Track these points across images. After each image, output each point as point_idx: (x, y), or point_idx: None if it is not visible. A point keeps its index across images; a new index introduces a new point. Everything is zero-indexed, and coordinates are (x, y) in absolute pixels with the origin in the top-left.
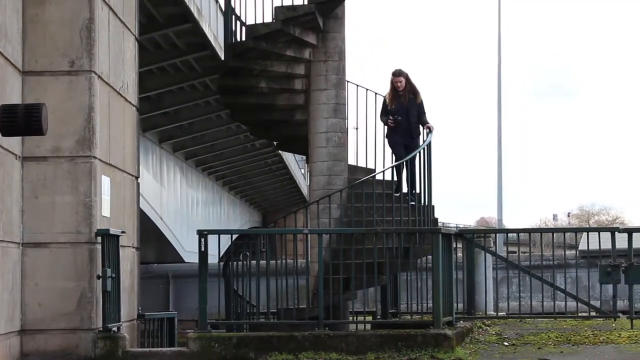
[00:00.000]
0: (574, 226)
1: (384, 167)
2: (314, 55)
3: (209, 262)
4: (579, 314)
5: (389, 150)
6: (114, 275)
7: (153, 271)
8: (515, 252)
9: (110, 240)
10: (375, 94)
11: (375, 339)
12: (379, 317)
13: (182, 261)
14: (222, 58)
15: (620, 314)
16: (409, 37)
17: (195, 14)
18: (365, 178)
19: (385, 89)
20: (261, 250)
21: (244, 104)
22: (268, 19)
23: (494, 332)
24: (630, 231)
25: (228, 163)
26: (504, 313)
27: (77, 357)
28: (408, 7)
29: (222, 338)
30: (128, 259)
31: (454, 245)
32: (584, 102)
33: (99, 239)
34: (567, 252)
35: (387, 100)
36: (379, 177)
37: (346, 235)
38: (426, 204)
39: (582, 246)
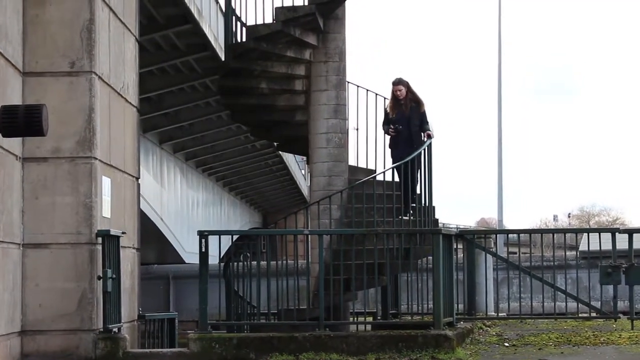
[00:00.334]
0: (575, 227)
1: (384, 168)
2: (314, 56)
3: (209, 262)
4: (580, 315)
5: (389, 151)
6: (114, 276)
7: (153, 272)
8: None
9: (110, 241)
10: (376, 94)
11: (376, 339)
12: (379, 317)
13: (183, 262)
14: (223, 59)
15: (620, 315)
16: (409, 38)
17: (196, 15)
18: (366, 179)
19: (385, 89)
20: (262, 251)
21: (244, 104)
22: (268, 19)
23: (494, 333)
24: (630, 232)
25: (228, 164)
26: (505, 314)
27: (78, 357)
28: (408, 8)
29: (222, 339)
30: (128, 259)
31: (455, 246)
32: (584, 101)
33: (100, 239)
34: (568, 253)
35: (388, 109)
36: (379, 177)
37: (347, 236)
38: (427, 204)
39: (583, 247)
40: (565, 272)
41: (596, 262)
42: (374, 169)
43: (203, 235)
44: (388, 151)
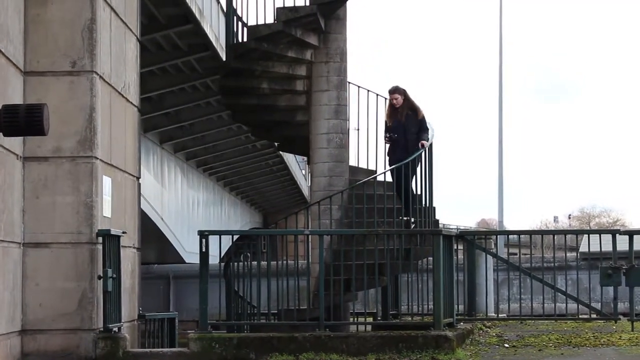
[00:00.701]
0: (575, 228)
1: (385, 169)
2: (315, 57)
3: (209, 262)
4: (580, 316)
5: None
6: (114, 275)
7: (154, 272)
8: (516, 254)
9: (111, 241)
10: (377, 95)
11: (376, 340)
12: (379, 318)
13: (183, 262)
14: (224, 59)
15: (621, 316)
16: (410, 38)
17: (197, 15)
18: (367, 179)
19: (386, 90)
20: (262, 251)
21: (245, 104)
22: (270, 19)
23: (494, 334)
24: (631, 233)
25: (229, 164)
26: (505, 315)
27: (78, 357)
28: (409, 8)
29: (222, 339)
30: (129, 259)
31: (455, 247)
32: (585, 102)
33: (100, 239)
34: (568, 254)
35: (386, 117)
36: (380, 178)
37: (347, 237)
38: (427, 205)
39: (583, 248)
40: (566, 273)
41: (596, 264)
42: (375, 169)
43: (203, 235)
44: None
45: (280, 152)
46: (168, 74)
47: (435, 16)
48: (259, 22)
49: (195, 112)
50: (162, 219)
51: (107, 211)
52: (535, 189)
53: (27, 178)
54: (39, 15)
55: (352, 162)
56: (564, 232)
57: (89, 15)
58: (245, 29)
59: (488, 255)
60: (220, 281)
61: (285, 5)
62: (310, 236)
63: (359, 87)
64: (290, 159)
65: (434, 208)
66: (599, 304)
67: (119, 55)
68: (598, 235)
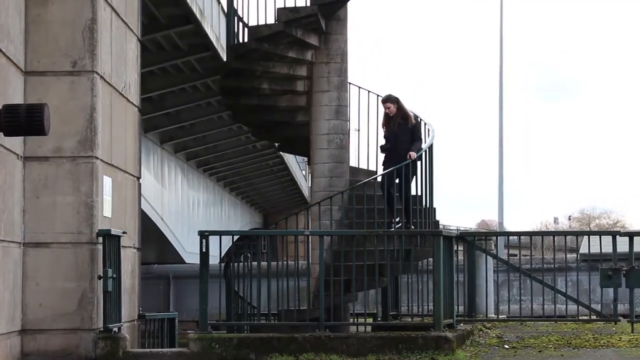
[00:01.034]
0: (575, 229)
1: (385, 169)
2: (316, 57)
3: (210, 263)
4: (580, 318)
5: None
6: (115, 275)
7: (154, 272)
8: (516, 255)
9: (111, 241)
10: (377, 96)
11: (376, 341)
12: (379, 319)
13: (183, 262)
14: (224, 59)
15: (620, 318)
16: (410, 38)
17: (198, 15)
18: (367, 180)
19: (386, 90)
20: (262, 252)
21: (245, 105)
22: (270, 20)
23: (494, 335)
24: (631, 235)
25: (229, 164)
26: (505, 316)
27: (78, 357)
28: (408, 8)
29: (222, 339)
30: (129, 259)
31: (455, 248)
32: (585, 103)
33: (100, 239)
34: (568, 256)
35: (382, 126)
36: (380, 179)
37: (347, 237)
38: (427, 206)
39: (583, 249)
40: (566, 274)
41: (597, 265)
42: (375, 170)
43: (204, 235)
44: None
45: (281, 153)
46: (168, 74)
47: (435, 16)
48: (260, 23)
49: (196, 112)
50: (162, 219)
51: (107, 211)
52: (536, 190)
53: (27, 178)
54: (40, 15)
55: (353, 162)
56: (564, 234)
57: (90, 15)
58: (246, 29)
59: (488, 257)
60: (220, 281)
61: (286, 6)
62: (310, 237)
63: (359, 87)
64: (290, 159)
65: (434, 209)
66: (599, 305)
67: (120, 55)
68: (598, 236)
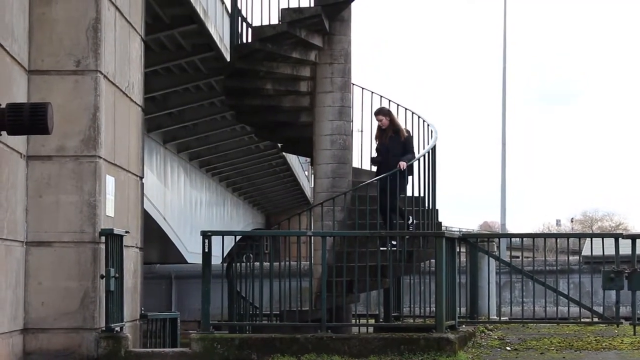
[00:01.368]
0: (577, 232)
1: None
2: (319, 58)
3: (212, 263)
4: (582, 320)
5: None
6: (117, 275)
7: (156, 271)
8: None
9: (114, 240)
10: (381, 97)
11: (378, 342)
12: (381, 320)
13: (185, 262)
14: (228, 59)
15: (622, 320)
16: (411, 38)
17: (201, 15)
18: (370, 181)
19: (386, 90)
20: (264, 252)
21: (249, 105)
22: (274, 20)
23: (496, 337)
24: (634, 237)
25: (232, 164)
26: (507, 318)
27: (80, 356)
28: (409, 8)
29: (224, 339)
30: (131, 259)
31: (458, 249)
32: (588, 105)
33: (103, 238)
34: (570, 258)
35: (375, 139)
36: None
37: (350, 238)
38: (430, 207)
39: (586, 252)
40: (568, 276)
41: (599, 267)
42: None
43: (206, 235)
44: None
45: (284, 153)
46: (172, 74)
47: (436, 16)
48: (264, 23)
49: (199, 112)
50: (164, 219)
51: (110, 211)
52: (538, 191)
53: (30, 177)
54: (44, 14)
55: (356, 163)
56: (567, 236)
57: (94, 14)
58: (249, 29)
59: (490, 258)
60: (222, 281)
61: (290, 7)
62: (313, 237)
63: (362, 88)
64: (293, 160)
65: (437, 210)
66: (601, 307)
67: (124, 54)
68: (601, 239)
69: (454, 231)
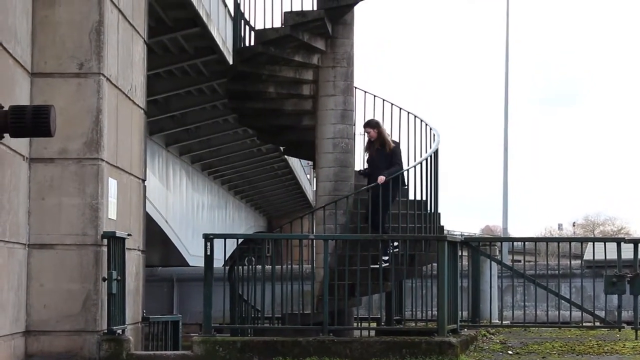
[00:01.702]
0: (579, 236)
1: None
2: (322, 61)
3: (214, 266)
4: (584, 324)
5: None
6: (119, 277)
7: (157, 274)
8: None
9: (116, 243)
10: (383, 100)
11: (380, 345)
12: (383, 323)
13: (187, 265)
14: (231, 62)
15: (624, 325)
16: (414, 38)
17: (204, 18)
18: (372, 185)
19: (388, 92)
20: (266, 255)
21: (251, 108)
22: (277, 24)
23: (498, 341)
24: (636, 242)
25: (234, 167)
26: (509, 322)
27: (82, 359)
28: (412, 8)
29: (226, 342)
30: (133, 261)
31: (460, 253)
32: (590, 109)
33: (105, 241)
34: (572, 262)
35: (365, 151)
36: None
37: (352, 242)
38: (432, 211)
39: (588, 256)
40: (570, 280)
41: (601, 272)
42: None
43: (209, 238)
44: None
45: (286, 157)
46: (174, 77)
47: (439, 16)
48: (267, 26)
49: (201, 115)
50: (166, 221)
51: (112, 213)
52: (540, 195)
53: (33, 179)
54: (47, 16)
55: (358, 167)
56: (569, 240)
57: (97, 17)
58: (252, 32)
59: (492, 262)
60: (224, 285)
61: (293, 10)
62: (315, 241)
63: (365, 92)
64: (295, 163)
65: (439, 214)
66: (603, 312)
67: (126, 57)
68: (603, 243)
69: (456, 235)
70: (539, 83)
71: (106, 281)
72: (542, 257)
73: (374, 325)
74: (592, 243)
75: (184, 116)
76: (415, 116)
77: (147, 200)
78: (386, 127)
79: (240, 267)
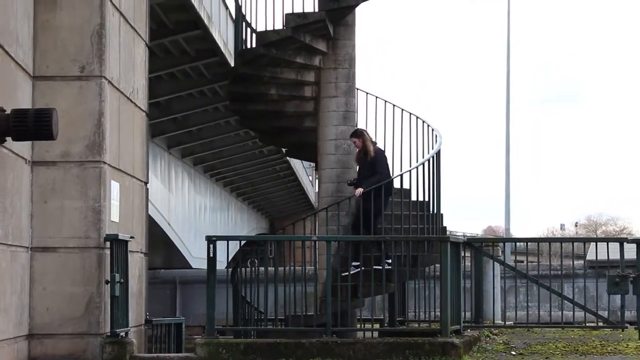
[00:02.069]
0: (582, 236)
1: (392, 175)
2: (324, 63)
3: (217, 268)
4: (587, 324)
5: (397, 157)
6: (122, 280)
7: (160, 277)
8: (523, 262)
9: (118, 246)
10: (385, 101)
11: (383, 346)
12: (386, 324)
13: (189, 267)
14: (232, 64)
15: (628, 325)
16: (415, 39)
17: (206, 21)
18: (374, 186)
19: (391, 92)
20: (269, 257)
21: (253, 110)
22: (278, 25)
23: (501, 341)
24: (639, 242)
25: (236, 169)
26: (512, 322)
27: None
28: (414, 8)
29: (229, 344)
30: (136, 264)
31: (462, 254)
32: (593, 109)
33: (108, 244)
34: (575, 262)
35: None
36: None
37: (355, 243)
38: (435, 212)
39: (590, 256)
40: (573, 281)
41: (604, 272)
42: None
43: (211, 240)
44: (397, 159)
45: (288, 158)
46: (176, 79)
47: (441, 16)
48: (268, 28)
49: (203, 117)
50: (169, 224)
51: (114, 216)
52: (542, 196)
53: (35, 182)
54: (49, 20)
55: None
56: (572, 240)
57: (98, 20)
58: (253, 34)
59: (495, 263)
60: (227, 287)
61: (294, 12)
62: (317, 242)
63: (367, 93)
64: (297, 165)
65: (442, 215)
66: (606, 312)
67: (128, 60)
68: (606, 243)
69: (459, 236)
70: (540, 84)
71: (109, 284)
72: (544, 258)
73: (377, 326)
74: (594, 243)
75: (185, 118)
76: (417, 117)
77: (149, 203)
78: (372, 135)
79: (243, 269)
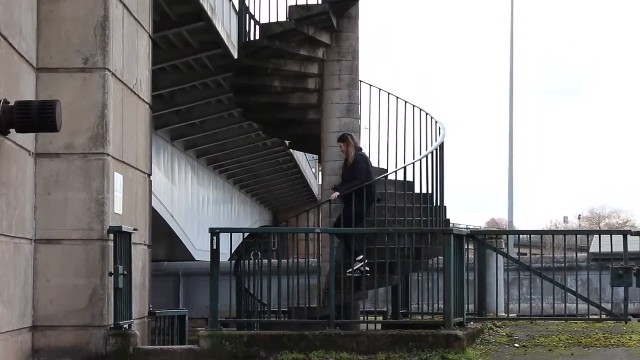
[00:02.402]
0: (585, 229)
1: (396, 168)
2: (327, 55)
3: (220, 260)
4: (590, 317)
5: (401, 150)
6: (125, 272)
7: (163, 269)
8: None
9: (122, 238)
10: (389, 94)
11: (386, 339)
12: (389, 317)
13: (193, 259)
14: (236, 57)
15: (631, 317)
16: (418, 31)
17: (209, 13)
18: (378, 178)
19: (393, 85)
20: (272, 249)
21: (257, 102)
22: (282, 18)
23: (504, 334)
24: None
25: (239, 162)
26: (515, 315)
27: (89, 353)
28: (417, 1)
29: (233, 336)
30: (140, 256)
31: (466, 246)
32: (596, 102)
33: (111, 236)
34: (579, 255)
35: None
36: (391, 177)
37: (358, 235)
38: (438, 204)
39: (594, 249)
40: (576, 273)
41: (607, 264)
42: (386, 168)
43: (215, 232)
44: (400, 150)
45: (291, 151)
46: (179, 72)
47: (443, 9)
48: (272, 21)
49: (207, 109)
50: (172, 216)
51: (118, 208)
52: (546, 189)
53: (39, 174)
54: (52, 12)
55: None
56: (575, 233)
57: (102, 12)
58: (257, 27)
59: (499, 255)
60: (230, 279)
61: (298, 4)
62: (321, 235)
63: (370, 85)
64: (300, 157)
65: (445, 207)
66: (610, 304)
67: (132, 52)
68: (609, 236)
69: (462, 228)
70: (543, 75)
71: (113, 276)
72: (548, 250)
73: (380, 319)
74: (598, 236)
75: (189, 111)
76: (420, 109)
77: (152, 195)
78: (358, 140)
79: (246, 261)
